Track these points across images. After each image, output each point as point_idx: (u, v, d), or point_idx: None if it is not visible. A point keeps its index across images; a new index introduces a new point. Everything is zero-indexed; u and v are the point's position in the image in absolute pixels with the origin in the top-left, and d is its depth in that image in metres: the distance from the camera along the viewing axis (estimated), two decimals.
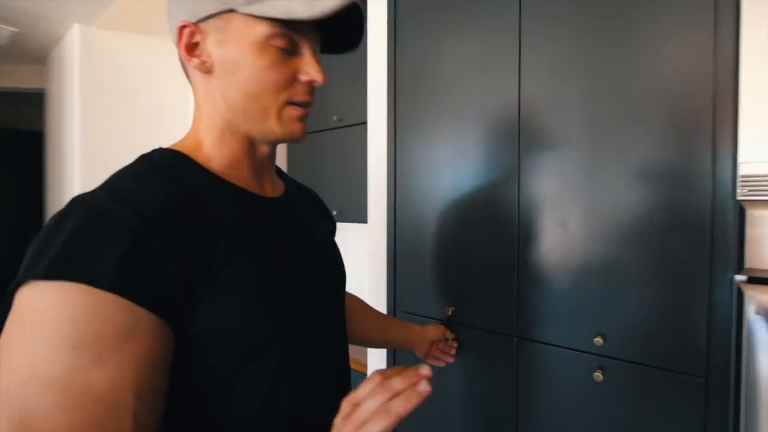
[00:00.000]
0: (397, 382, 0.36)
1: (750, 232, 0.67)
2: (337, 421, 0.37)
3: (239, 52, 0.45)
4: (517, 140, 0.96)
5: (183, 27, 0.45)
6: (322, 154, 1.81)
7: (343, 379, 0.56)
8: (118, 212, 0.37)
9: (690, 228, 0.76)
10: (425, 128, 1.19)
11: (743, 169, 0.68)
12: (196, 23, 0.45)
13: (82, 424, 0.32)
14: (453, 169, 1.12)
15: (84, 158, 2.27)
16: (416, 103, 1.22)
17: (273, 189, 0.55)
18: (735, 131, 0.69)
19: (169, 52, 0.69)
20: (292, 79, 0.47)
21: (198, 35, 0.45)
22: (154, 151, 0.47)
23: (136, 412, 0.34)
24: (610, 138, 0.84)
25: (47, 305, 0.34)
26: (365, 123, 1.49)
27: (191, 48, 0.46)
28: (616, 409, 0.84)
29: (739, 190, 0.69)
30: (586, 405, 0.87)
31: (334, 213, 1.72)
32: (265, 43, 0.44)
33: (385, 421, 0.34)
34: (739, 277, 0.69)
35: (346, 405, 0.38)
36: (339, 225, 2.35)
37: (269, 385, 0.44)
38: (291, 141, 0.51)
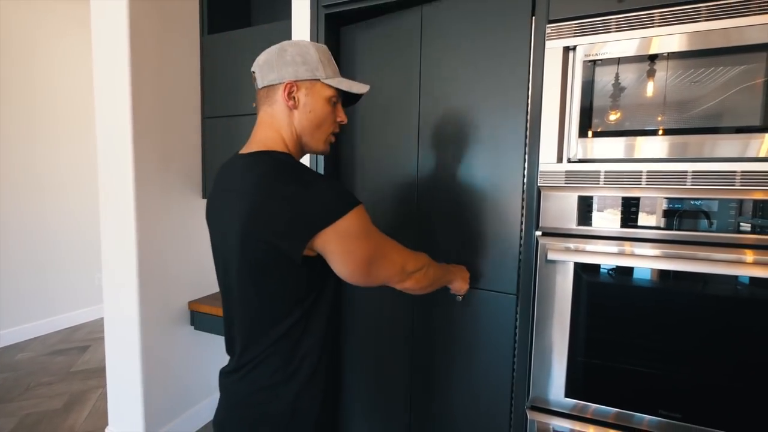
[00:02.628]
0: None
1: (543, 205, 1.12)
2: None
3: (316, 102, 0.82)
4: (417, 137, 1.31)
5: (288, 84, 0.79)
6: (237, 136, 1.94)
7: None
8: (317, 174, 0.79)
9: (512, 201, 1.20)
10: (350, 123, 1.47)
11: (542, 168, 1.13)
12: (294, 81, 0.80)
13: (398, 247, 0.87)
14: (376, 161, 1.43)
15: None
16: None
17: None
18: (538, 145, 1.13)
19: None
20: (333, 119, 0.87)
21: (293, 88, 0.80)
22: (283, 154, 0.80)
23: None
24: (473, 143, 1.24)
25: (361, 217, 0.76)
26: None
27: (289, 94, 0.80)
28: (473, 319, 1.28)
29: (539, 180, 1.13)
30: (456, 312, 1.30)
31: None
32: (329, 100, 0.84)
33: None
34: (538, 232, 1.15)
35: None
36: None
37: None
38: (321, 154, 0.90)
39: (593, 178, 1.07)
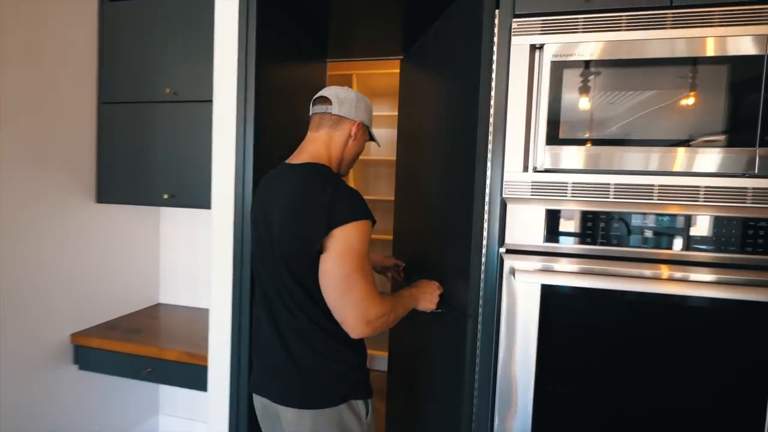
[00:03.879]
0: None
1: (509, 219, 1.01)
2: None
3: (361, 141, 1.07)
4: None
5: (360, 123, 1.04)
6: (147, 128, 1.60)
7: None
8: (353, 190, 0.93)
9: (474, 215, 1.08)
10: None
11: (507, 177, 1.01)
12: (359, 122, 1.04)
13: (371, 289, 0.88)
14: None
15: None
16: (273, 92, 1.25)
17: None
18: (503, 152, 1.02)
19: None
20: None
21: (359, 127, 1.04)
22: (325, 167, 0.98)
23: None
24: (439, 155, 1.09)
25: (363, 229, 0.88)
26: (209, 101, 1.42)
27: (354, 131, 1.03)
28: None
29: (504, 191, 1.02)
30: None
31: (165, 197, 1.56)
32: (366, 136, 1.09)
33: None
34: (502, 249, 1.03)
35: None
36: (169, 210, 2.12)
37: None
38: (344, 175, 1.09)
39: (560, 190, 0.98)
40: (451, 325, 1.18)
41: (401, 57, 1.80)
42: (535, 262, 0.98)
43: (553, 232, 0.98)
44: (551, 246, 0.98)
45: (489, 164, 1.05)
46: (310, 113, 1.06)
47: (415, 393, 1.47)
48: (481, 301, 1.08)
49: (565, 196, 0.98)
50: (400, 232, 1.76)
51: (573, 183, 0.98)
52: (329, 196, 0.86)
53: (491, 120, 1.03)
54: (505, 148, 1.02)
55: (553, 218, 0.98)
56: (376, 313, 0.87)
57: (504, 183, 1.02)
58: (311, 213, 0.87)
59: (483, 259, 1.07)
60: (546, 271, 0.96)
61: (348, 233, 0.85)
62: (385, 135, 2.94)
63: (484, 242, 1.07)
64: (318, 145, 1.00)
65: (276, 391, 0.94)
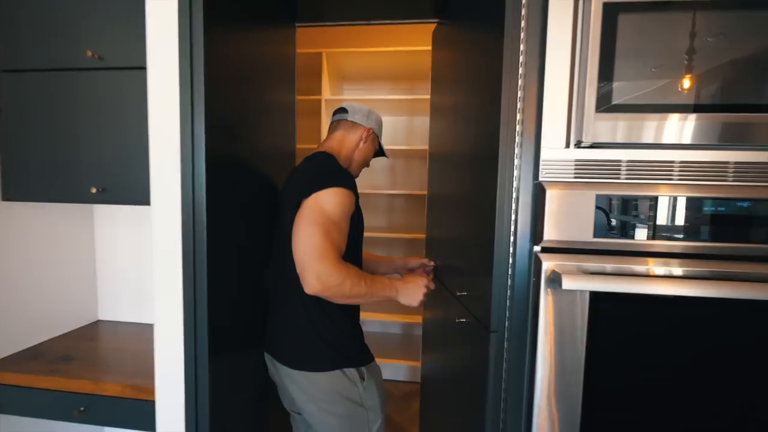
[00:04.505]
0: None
1: (547, 208, 0.78)
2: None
3: (370, 148, 1.20)
4: None
5: (370, 130, 1.18)
6: (65, 102, 1.24)
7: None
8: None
9: (501, 204, 0.85)
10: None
11: (545, 155, 0.79)
12: (370, 129, 1.18)
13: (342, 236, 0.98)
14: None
15: None
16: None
17: None
18: (539, 121, 0.80)
19: None
20: (369, 160, 1.23)
21: (369, 133, 1.18)
22: (331, 156, 1.10)
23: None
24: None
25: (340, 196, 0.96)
26: (142, 68, 1.10)
27: (366, 136, 1.17)
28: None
29: (541, 173, 0.80)
30: None
31: (93, 191, 1.22)
32: (375, 150, 1.24)
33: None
34: (537, 248, 0.81)
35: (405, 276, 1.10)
36: (104, 208, 1.75)
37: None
38: (354, 176, 1.11)
39: (612, 170, 0.77)
40: (474, 339, 0.96)
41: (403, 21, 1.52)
42: (583, 263, 0.77)
43: (606, 224, 0.77)
44: (604, 242, 0.77)
45: (518, 138, 0.82)
46: (330, 122, 1.24)
47: (443, 411, 1.26)
48: (507, 312, 0.86)
49: (618, 177, 0.77)
50: (432, 229, 1.60)
51: (629, 161, 0.77)
52: (317, 170, 1.00)
53: (520, 81, 0.80)
54: (541, 117, 0.79)
55: (606, 206, 0.77)
56: (329, 271, 0.89)
57: (541, 163, 0.79)
58: (301, 182, 0.98)
59: (510, 260, 0.85)
60: (599, 274, 0.75)
61: (320, 196, 0.93)
62: None
63: (512, 238, 0.85)
64: (331, 142, 1.15)
65: (276, 349, 1.07)
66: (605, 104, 0.75)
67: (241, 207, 1.16)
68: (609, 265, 0.76)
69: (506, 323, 0.86)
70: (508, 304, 0.86)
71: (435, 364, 1.48)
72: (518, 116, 0.81)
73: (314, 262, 0.88)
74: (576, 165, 0.78)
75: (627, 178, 0.77)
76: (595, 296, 0.76)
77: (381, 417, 1.07)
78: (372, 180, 2.66)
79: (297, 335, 1.02)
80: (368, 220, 2.01)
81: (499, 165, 0.83)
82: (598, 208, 0.76)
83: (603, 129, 0.76)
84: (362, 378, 1.03)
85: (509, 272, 0.85)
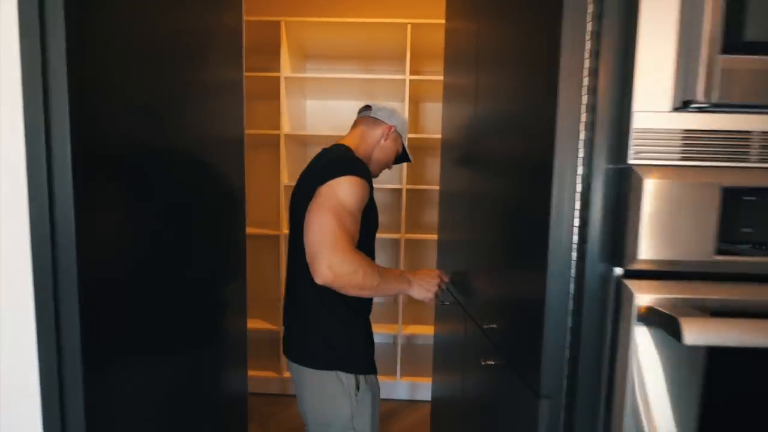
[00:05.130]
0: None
1: (642, 209, 0.49)
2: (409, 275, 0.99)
3: (391, 147, 1.14)
4: None
5: (392, 127, 1.11)
6: None
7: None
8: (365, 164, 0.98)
9: (555, 201, 0.55)
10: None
11: (638, 122, 0.49)
12: (392, 126, 1.12)
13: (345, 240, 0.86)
14: None
15: None
16: None
17: None
18: (629, 70, 0.50)
19: None
20: (390, 162, 1.17)
21: (391, 131, 1.12)
22: (349, 148, 1.04)
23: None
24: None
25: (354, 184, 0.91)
26: None
27: (387, 133, 1.11)
28: None
29: (631, 152, 0.50)
30: None
31: None
32: (396, 151, 1.16)
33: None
34: (618, 270, 0.52)
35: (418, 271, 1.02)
36: None
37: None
38: (373, 176, 1.11)
39: (738, 146, 0.49)
40: (511, 398, 0.66)
41: None
42: (702, 295, 0.48)
43: (733, 232, 0.48)
44: (733, 262, 0.49)
45: (586, 95, 0.52)
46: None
47: None
48: (566, 369, 0.56)
49: (747, 158, 0.49)
50: (443, 232, 1.36)
51: (763, 132, 0.49)
52: (333, 159, 0.96)
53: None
54: (633, 62, 0.49)
55: (734, 203, 0.48)
56: (341, 260, 0.84)
57: (632, 134, 0.50)
58: (316, 171, 0.95)
59: (571, 289, 0.55)
60: (730, 315, 0.46)
61: (334, 184, 0.89)
62: (335, 107, 2.32)
63: (573, 255, 0.55)
64: (351, 137, 1.10)
65: (288, 343, 1.03)
66: (735, 41, 0.47)
67: (156, 203, 0.81)
68: (739, 297, 0.48)
69: (564, 385, 0.56)
70: (567, 355, 0.56)
71: (450, 399, 1.18)
72: (587, 61, 0.51)
73: (326, 249, 0.84)
74: (684, 138, 0.49)
75: (759, 161, 0.49)
76: (721, 351, 0.48)
77: None
78: None
79: (303, 329, 0.99)
80: None
81: (556, 138, 0.53)
82: (724, 205, 0.47)
83: (729, 81, 0.47)
84: (357, 387, 0.96)
85: (569, 306, 0.55)
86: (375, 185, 1.10)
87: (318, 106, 2.40)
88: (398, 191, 2.18)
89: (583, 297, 0.54)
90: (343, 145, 1.05)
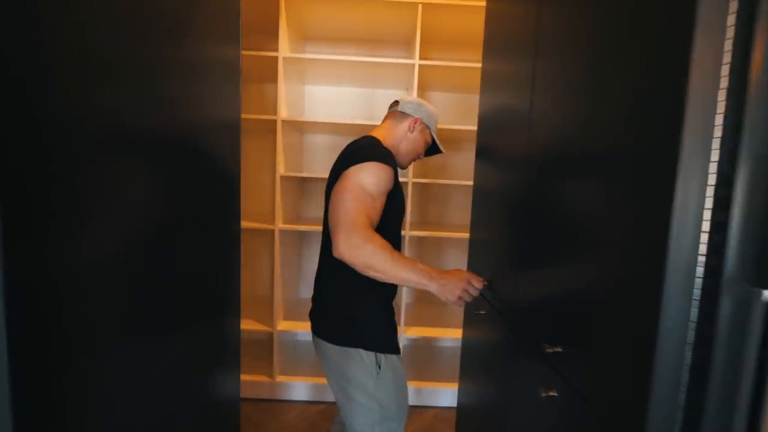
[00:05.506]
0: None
1: None
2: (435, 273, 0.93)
3: (419, 139, 1.15)
4: None
5: (418, 119, 1.13)
6: None
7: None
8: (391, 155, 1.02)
9: (684, 202, 0.40)
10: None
11: None
12: (418, 118, 1.14)
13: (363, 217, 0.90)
14: None
15: None
16: None
17: None
18: None
19: None
20: (419, 154, 1.19)
21: (417, 123, 1.14)
22: (376, 139, 1.06)
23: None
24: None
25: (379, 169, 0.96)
26: None
27: (414, 125, 1.13)
28: None
29: None
30: None
31: None
32: (426, 143, 1.18)
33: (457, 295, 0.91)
34: None
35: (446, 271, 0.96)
36: None
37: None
38: (401, 167, 1.16)
39: None
40: None
41: None
42: None
43: None
44: None
45: (728, 52, 0.38)
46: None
47: None
48: (680, 418, 0.43)
49: None
50: (477, 231, 1.25)
51: None
52: (359, 147, 1.00)
53: None
54: None
55: None
56: (360, 238, 0.86)
57: None
58: (343, 158, 0.99)
59: (692, 314, 0.41)
60: None
61: (357, 169, 0.93)
62: (336, 93, 2.15)
63: (700, 271, 0.41)
64: (378, 129, 1.14)
65: (313, 317, 1.08)
66: None
67: (137, 193, 0.64)
68: None
69: None
70: (683, 401, 0.42)
71: (484, 412, 1.04)
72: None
73: (344, 225, 0.87)
74: None
75: None
76: None
77: (397, 424, 1.01)
78: None
79: (328, 305, 1.04)
80: None
81: (686, 108, 0.38)
82: None
83: None
84: (378, 365, 0.99)
85: (688, 339, 0.42)
86: None
87: (317, 92, 2.23)
88: (403, 185, 2.03)
89: (714, 327, 0.40)
90: (369, 136, 1.08)
